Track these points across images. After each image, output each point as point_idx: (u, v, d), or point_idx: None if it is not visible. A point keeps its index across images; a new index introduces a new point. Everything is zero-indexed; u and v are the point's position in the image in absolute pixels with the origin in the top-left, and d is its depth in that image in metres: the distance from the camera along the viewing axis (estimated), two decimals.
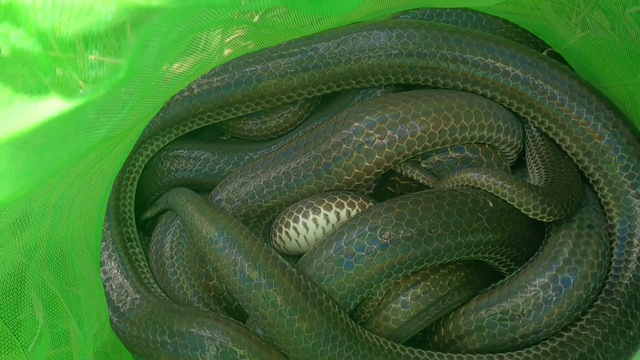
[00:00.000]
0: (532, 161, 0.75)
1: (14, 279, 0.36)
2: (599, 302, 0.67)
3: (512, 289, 0.66)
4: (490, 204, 0.66)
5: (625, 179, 0.69)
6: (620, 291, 0.67)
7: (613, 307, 0.66)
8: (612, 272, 0.69)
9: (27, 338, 0.37)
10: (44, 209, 0.33)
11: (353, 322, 0.63)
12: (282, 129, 0.81)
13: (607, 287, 0.68)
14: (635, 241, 0.69)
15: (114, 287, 0.70)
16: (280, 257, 0.63)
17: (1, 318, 0.36)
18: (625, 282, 0.68)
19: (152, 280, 0.74)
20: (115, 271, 0.71)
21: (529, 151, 0.76)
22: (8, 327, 0.36)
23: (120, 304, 0.68)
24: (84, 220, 0.54)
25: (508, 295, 0.65)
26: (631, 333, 0.65)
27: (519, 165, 0.79)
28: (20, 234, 0.36)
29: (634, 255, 0.69)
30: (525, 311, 0.64)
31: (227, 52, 0.60)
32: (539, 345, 0.65)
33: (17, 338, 0.36)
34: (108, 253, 0.73)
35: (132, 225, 0.78)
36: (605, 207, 0.72)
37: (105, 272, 0.71)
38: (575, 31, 0.74)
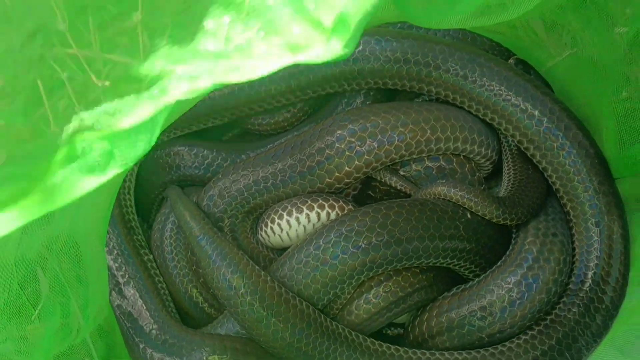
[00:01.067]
0: (506, 168, 0.83)
1: (37, 264, 0.45)
2: (570, 286, 0.76)
3: (480, 292, 0.74)
4: (468, 216, 0.76)
5: (569, 166, 0.77)
6: (588, 273, 0.76)
7: (584, 288, 0.75)
8: (577, 257, 0.77)
9: (42, 312, 0.45)
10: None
11: (322, 316, 0.72)
12: (281, 127, 0.89)
13: (575, 271, 0.77)
14: (591, 226, 0.77)
15: (129, 296, 0.78)
16: (259, 268, 0.73)
17: (25, 296, 0.44)
18: (591, 264, 0.76)
19: (167, 291, 0.82)
20: (132, 286, 0.79)
21: (505, 159, 0.84)
22: (30, 303, 0.44)
23: (139, 320, 0.76)
24: (97, 209, 0.62)
25: (476, 298, 0.74)
26: (604, 306, 0.74)
27: (496, 174, 0.87)
28: (46, 225, 0.44)
29: (594, 238, 0.77)
30: (492, 313, 0.73)
31: None
32: (527, 330, 0.73)
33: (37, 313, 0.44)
34: (123, 259, 0.80)
35: (140, 234, 0.85)
36: (558, 195, 0.80)
37: (122, 278, 0.79)
38: (564, 49, 0.81)
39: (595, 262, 0.76)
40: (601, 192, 0.77)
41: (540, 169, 0.80)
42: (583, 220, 0.78)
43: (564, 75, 0.83)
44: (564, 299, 0.75)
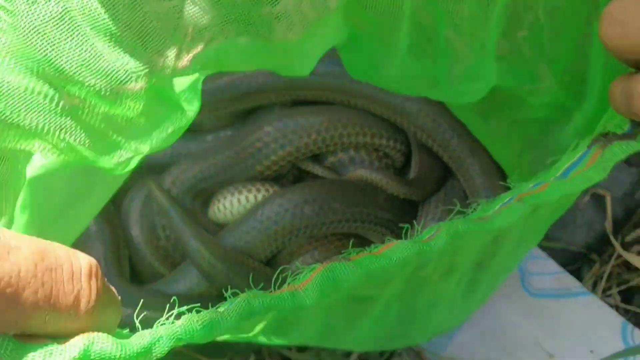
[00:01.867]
0: (413, 156, 1.02)
1: None
2: None
3: None
4: (386, 193, 0.95)
5: (453, 147, 0.94)
6: None
7: None
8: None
9: None
10: None
11: (262, 265, 0.93)
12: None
13: None
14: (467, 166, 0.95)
15: None
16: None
17: None
18: None
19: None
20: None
21: (412, 150, 1.03)
22: None
23: None
24: None
25: None
26: None
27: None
28: None
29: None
30: None
31: None
32: None
33: None
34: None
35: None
36: (450, 167, 0.98)
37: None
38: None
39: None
40: (483, 163, 0.94)
41: (433, 150, 0.98)
42: (475, 192, 0.96)
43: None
44: None
